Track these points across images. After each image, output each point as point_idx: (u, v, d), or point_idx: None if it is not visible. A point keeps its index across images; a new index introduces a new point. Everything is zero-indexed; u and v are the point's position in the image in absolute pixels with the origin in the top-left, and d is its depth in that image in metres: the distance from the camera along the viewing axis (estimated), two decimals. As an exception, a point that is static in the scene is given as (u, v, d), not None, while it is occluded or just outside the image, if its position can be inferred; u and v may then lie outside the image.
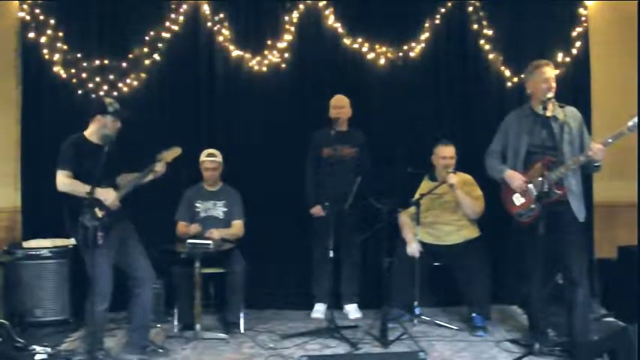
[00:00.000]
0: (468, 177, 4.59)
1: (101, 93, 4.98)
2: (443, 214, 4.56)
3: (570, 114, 3.84)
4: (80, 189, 3.52)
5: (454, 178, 4.41)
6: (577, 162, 3.68)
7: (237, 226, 4.62)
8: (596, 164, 3.67)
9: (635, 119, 3.46)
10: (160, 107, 5.08)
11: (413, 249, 4.41)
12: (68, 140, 3.70)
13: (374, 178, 4.60)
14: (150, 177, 3.82)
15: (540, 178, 3.66)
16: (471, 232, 4.54)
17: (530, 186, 3.79)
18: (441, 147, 4.56)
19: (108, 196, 3.61)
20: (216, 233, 4.43)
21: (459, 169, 4.50)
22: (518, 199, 3.86)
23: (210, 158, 4.62)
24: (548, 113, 3.77)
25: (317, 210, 4.73)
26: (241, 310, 4.45)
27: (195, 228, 4.48)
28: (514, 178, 3.85)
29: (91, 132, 3.76)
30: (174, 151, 3.86)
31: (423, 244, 4.44)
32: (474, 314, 4.36)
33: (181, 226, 4.60)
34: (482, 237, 4.55)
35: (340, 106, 4.77)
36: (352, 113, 4.83)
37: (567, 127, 3.78)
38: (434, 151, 4.60)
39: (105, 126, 3.73)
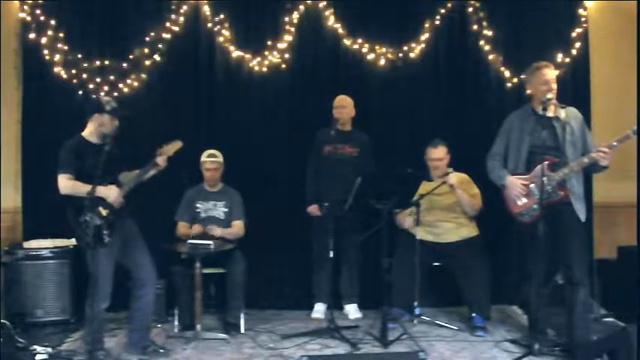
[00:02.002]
0: (464, 176, 4.59)
1: (102, 93, 4.98)
2: (441, 213, 4.56)
3: (572, 114, 3.85)
4: (82, 189, 3.52)
5: (454, 179, 4.42)
6: (581, 164, 3.69)
7: (238, 226, 4.62)
8: (604, 164, 3.67)
9: None
10: (161, 108, 5.08)
11: (408, 222, 4.52)
12: (66, 144, 3.69)
13: (374, 178, 4.60)
14: (152, 172, 3.79)
15: (543, 179, 3.66)
16: (470, 231, 4.55)
17: (533, 186, 3.79)
18: (430, 149, 4.57)
19: (110, 193, 3.62)
20: (217, 229, 4.43)
21: (458, 169, 4.50)
22: (520, 200, 3.86)
23: (211, 159, 4.61)
24: (550, 114, 3.78)
25: (313, 209, 4.74)
26: (242, 310, 4.45)
27: (197, 229, 4.47)
28: (514, 185, 3.85)
29: (90, 132, 3.76)
30: (175, 145, 3.84)
31: (423, 244, 4.45)
32: (473, 314, 4.36)
33: (182, 227, 4.60)
34: (482, 236, 4.56)
35: (342, 105, 4.77)
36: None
37: (569, 128, 3.79)
38: (425, 152, 4.61)
39: (102, 124, 3.71)
